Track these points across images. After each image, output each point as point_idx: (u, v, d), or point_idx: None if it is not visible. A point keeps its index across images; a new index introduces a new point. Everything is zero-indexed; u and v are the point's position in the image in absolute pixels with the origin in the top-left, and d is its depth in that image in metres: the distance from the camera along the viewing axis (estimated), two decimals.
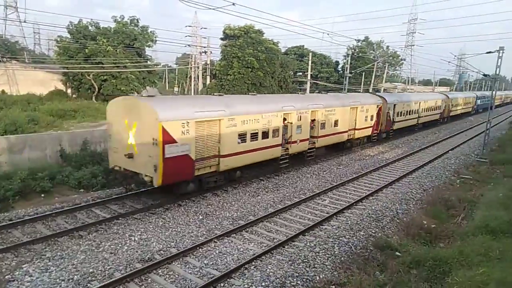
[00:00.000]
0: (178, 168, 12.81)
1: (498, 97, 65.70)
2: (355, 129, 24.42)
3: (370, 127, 26.21)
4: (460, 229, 11.96)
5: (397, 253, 10.26)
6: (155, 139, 12.06)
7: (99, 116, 37.74)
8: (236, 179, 16.19)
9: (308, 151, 20.30)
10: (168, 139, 12.21)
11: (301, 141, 19.15)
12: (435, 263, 9.12)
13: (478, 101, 54.41)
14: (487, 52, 24.58)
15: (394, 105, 29.11)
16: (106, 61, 41.27)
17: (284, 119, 17.71)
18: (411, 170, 19.70)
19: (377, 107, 26.79)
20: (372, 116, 26.09)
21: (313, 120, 20.05)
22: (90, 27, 45.29)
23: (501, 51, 23.22)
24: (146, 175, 12.52)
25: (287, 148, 18.38)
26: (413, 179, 18.23)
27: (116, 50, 42.54)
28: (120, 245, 10.25)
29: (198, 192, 14.47)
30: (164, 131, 12.07)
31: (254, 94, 19.29)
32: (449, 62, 38.39)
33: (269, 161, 17.52)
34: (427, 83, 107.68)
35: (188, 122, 12.87)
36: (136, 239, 10.70)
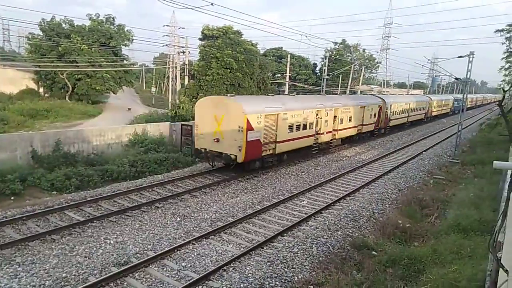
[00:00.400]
0: (253, 149, 16.97)
1: (470, 100, 71.27)
2: (362, 124, 28.60)
3: (373, 123, 30.67)
4: (433, 228, 12.30)
5: (373, 252, 10.44)
6: (240, 127, 16.22)
7: (72, 116, 36.76)
8: (284, 161, 20.32)
9: (330, 141, 24.53)
10: (249, 127, 16.41)
11: (327, 132, 23.50)
12: (410, 261, 9.33)
13: (455, 103, 59.77)
14: (459, 57, 25.45)
15: (390, 105, 33.69)
16: (80, 59, 40.22)
17: (316, 115, 21.68)
18: (386, 171, 20.13)
19: (378, 107, 31.19)
20: (375, 114, 30.61)
21: (334, 116, 24.14)
22: (63, 25, 44.02)
23: (471, 56, 24.10)
24: (232, 154, 16.56)
25: (317, 138, 22.55)
26: (388, 180, 18.63)
27: (91, 49, 41.55)
28: (95, 249, 9.97)
29: (259, 169, 18.34)
30: (247, 121, 16.27)
31: (298, 95, 24.04)
32: (422, 65, 39.50)
33: (305, 148, 21.59)
34: (401, 85, 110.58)
35: (260, 115, 17.13)
36: (112, 242, 10.43)
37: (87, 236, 10.73)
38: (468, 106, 66.63)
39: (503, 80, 21.86)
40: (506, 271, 4.10)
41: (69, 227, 11.17)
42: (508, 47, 19.18)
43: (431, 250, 9.76)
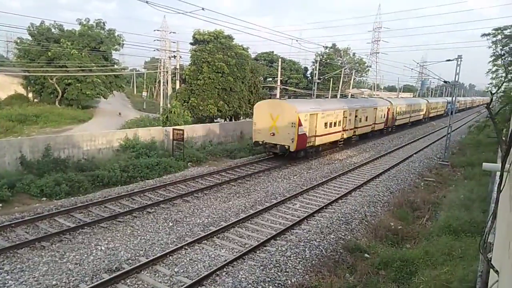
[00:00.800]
0: (302, 141, 21.29)
1: (463, 102, 77.23)
2: (375, 123, 32.85)
3: (383, 122, 35.07)
4: (425, 230, 12.40)
5: (366, 255, 10.48)
6: (293, 123, 20.51)
7: (62, 121, 36.40)
8: (319, 152, 24.95)
9: (352, 136, 28.96)
10: (299, 123, 20.67)
11: (350, 129, 27.83)
12: (402, 263, 9.39)
13: (449, 105, 62.77)
14: (447, 60, 25.79)
15: (396, 107, 38.07)
16: (70, 64, 39.89)
17: (343, 114, 26.03)
18: (378, 174, 20.26)
19: (387, 108, 35.63)
20: (384, 115, 34.99)
21: (355, 116, 28.33)
22: (53, 29, 43.68)
23: (459, 59, 24.45)
24: (286, 145, 20.78)
25: (343, 134, 26.85)
26: (380, 182, 18.75)
27: (81, 54, 41.24)
28: (85, 255, 9.84)
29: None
30: (299, 119, 20.59)
31: (329, 98, 28.05)
32: (412, 69, 40.43)
33: (334, 142, 26.36)
34: (391, 89, 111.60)
35: (306, 114, 21.48)
36: (103, 248, 10.31)
37: (77, 243, 10.59)
38: (461, 108, 71.10)
39: (491, 83, 22.22)
40: (497, 271, 4.14)
41: (59, 233, 11.00)
42: (494, 51, 19.52)
43: (423, 252, 9.84)
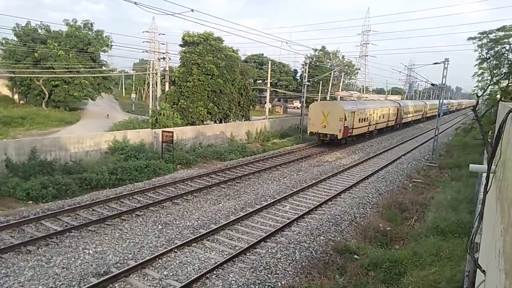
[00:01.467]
0: (345, 131, 28.33)
1: (452, 104, 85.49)
2: (388, 120, 40.21)
3: (394, 120, 42.06)
4: (413, 231, 12.53)
5: (355, 256, 10.54)
6: (341, 118, 27.50)
7: (49, 123, 35.84)
8: (354, 141, 32.19)
9: (373, 130, 36.35)
10: (345, 118, 27.71)
11: (373, 124, 35.24)
12: (391, 264, 9.46)
13: (443, 107, 68.07)
14: (434, 63, 26.19)
15: (403, 108, 44.60)
16: (57, 65, 39.33)
17: (371, 112, 33.87)
18: (367, 175, 20.42)
19: (397, 108, 42.57)
20: (395, 114, 42.01)
21: (376, 114, 35.60)
22: (39, 30, 43.03)
23: (446, 62, 24.85)
24: (334, 134, 27.90)
25: (369, 128, 34.49)
26: (369, 184, 18.90)
27: (68, 55, 40.71)
28: (73, 259, 9.68)
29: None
30: (345, 115, 27.60)
31: (362, 100, 40.73)
32: (400, 71, 41.63)
33: (364, 133, 33.81)
34: (380, 91, 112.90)
35: (348, 111, 28.52)
36: (91, 252, 10.16)
37: (64, 247, 10.42)
38: (451, 110, 79.21)
39: (477, 86, 22.63)
40: (483, 271, 4.20)
41: (46, 237, 10.81)
42: (480, 54, 19.89)
43: (412, 252, 9.94)
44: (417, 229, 12.60)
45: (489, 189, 4.62)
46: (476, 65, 20.64)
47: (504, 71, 19.59)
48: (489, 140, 14.53)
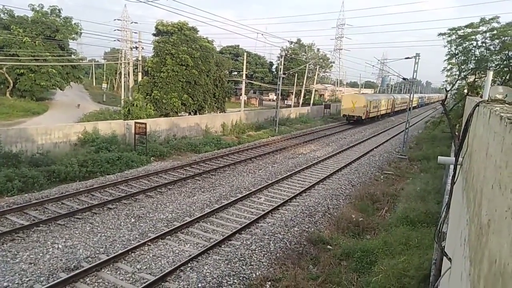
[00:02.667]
0: (366, 114, 42.50)
1: (425, 98, 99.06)
2: (387, 108, 53.17)
3: (390, 108, 55.05)
4: (384, 221, 12.90)
5: (328, 246, 10.75)
6: (364, 105, 41.81)
7: (14, 113, 34.35)
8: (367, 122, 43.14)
9: (378, 115, 48.80)
10: (366, 106, 42.07)
11: (379, 110, 48.17)
12: (363, 254, 9.72)
13: (420, 100, 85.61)
14: (406, 58, 26.85)
15: (395, 99, 57.80)
16: (22, 53, 37.58)
17: (380, 101, 47.74)
18: (340, 167, 20.80)
19: (393, 99, 56.13)
20: (391, 104, 55.40)
21: (381, 103, 48.59)
22: (1, 15, 40.86)
23: (417, 57, 25.52)
24: (360, 116, 41.72)
25: (378, 112, 47.69)
26: (342, 176, 19.26)
27: (34, 42, 38.94)
28: (41, 254, 9.35)
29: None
30: (366, 103, 42.10)
31: (376, 93, 59.01)
32: (373, 65, 43.01)
33: (374, 117, 46.31)
34: (354, 85, 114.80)
35: (369, 101, 42.95)
36: (60, 246, 9.85)
37: (32, 241, 10.05)
38: (427, 103, 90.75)
39: (446, 81, 23.36)
40: (450, 259, 4.36)
41: (11, 232, 10.37)
42: (449, 50, 20.52)
43: (382, 242, 10.23)
44: (388, 220, 12.99)
45: (456, 180, 4.79)
46: (445, 60, 21.27)
47: (471, 66, 20.31)
48: (457, 133, 15.10)
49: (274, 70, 69.01)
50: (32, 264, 8.87)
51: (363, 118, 41.91)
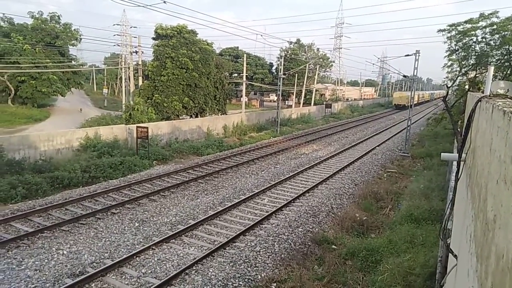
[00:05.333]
0: (407, 103, 56.02)
1: (437, 93, 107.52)
2: (417, 100, 68.00)
3: (417, 100, 69.20)
4: (388, 220, 12.86)
5: (333, 246, 10.72)
6: (406, 98, 61.45)
7: (16, 121, 34.45)
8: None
9: (417, 103, 69.72)
10: (407, 98, 59.29)
11: (416, 101, 67.05)
12: (368, 253, 9.68)
13: (431, 95, 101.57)
14: (406, 55, 26.82)
15: (422, 94, 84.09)
16: (23, 60, 37.71)
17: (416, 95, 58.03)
18: (343, 166, 20.76)
19: (418, 95, 71.71)
20: (418, 97, 71.75)
21: (417, 96, 68.41)
22: (1, 23, 41.06)
23: (417, 54, 25.48)
24: (404, 104, 65.52)
25: (416, 101, 68.18)
26: (345, 175, 19.23)
27: (34, 49, 39.09)
28: (46, 261, 9.37)
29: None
30: (407, 97, 57.94)
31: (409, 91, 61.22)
32: (373, 64, 42.30)
33: (416, 104, 65.04)
34: (354, 83, 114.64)
35: (407, 96, 59.62)
36: (65, 252, 9.86)
37: (37, 248, 10.07)
38: (426, 99, 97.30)
39: (446, 77, 23.33)
40: (455, 256, 4.34)
41: (16, 239, 10.40)
42: (449, 46, 20.47)
43: (387, 240, 10.19)
44: (392, 218, 12.94)
45: (460, 176, 4.76)
46: (445, 56, 21.23)
47: (472, 62, 20.25)
48: (459, 129, 15.04)
49: (274, 71, 69.01)
50: (38, 271, 8.88)
51: (406, 105, 60.68)
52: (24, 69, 37.43)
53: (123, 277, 8.82)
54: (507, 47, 18.48)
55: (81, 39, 44.64)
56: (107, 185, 15.90)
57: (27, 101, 41.11)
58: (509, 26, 18.31)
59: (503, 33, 18.30)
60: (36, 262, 9.27)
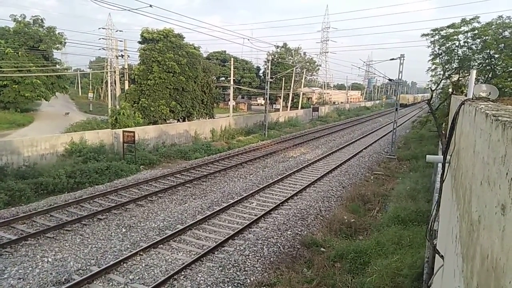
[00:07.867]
0: (408, 102, 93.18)
1: (418, 97, 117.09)
2: (413, 101, 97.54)
3: (413, 101, 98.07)
4: (376, 222, 12.98)
5: (322, 249, 10.76)
6: (408, 99, 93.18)
7: None
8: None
9: (411, 104, 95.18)
10: (409, 99, 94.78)
11: (412, 102, 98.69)
12: (356, 255, 9.75)
13: (422, 97, 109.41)
14: (391, 59, 27.22)
15: (412, 97, 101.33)
16: (5, 64, 36.95)
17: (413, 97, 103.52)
18: (330, 169, 20.89)
19: (413, 97, 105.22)
20: (413, 99, 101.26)
21: (412, 97, 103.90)
22: None
23: (402, 58, 25.90)
24: (407, 104, 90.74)
25: (412, 102, 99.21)
26: (333, 178, 19.35)
27: (17, 53, 38.35)
28: (30, 269, 9.15)
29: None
30: (408, 98, 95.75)
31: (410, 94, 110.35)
32: (359, 67, 42.32)
33: (411, 104, 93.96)
34: (341, 87, 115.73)
35: (411, 96, 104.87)
36: (50, 260, 9.66)
37: (20, 256, 9.83)
38: (416, 102, 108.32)
39: (430, 80, 23.77)
40: (442, 256, 4.40)
41: None
42: (433, 50, 20.90)
43: (375, 242, 10.28)
44: (380, 220, 13.07)
45: (445, 178, 4.84)
46: (429, 60, 21.66)
47: (455, 66, 20.70)
48: (443, 131, 15.33)
49: (261, 74, 69.20)
50: (21, 280, 8.67)
51: (407, 104, 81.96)
52: (6, 73, 36.68)
53: (110, 284, 8.68)
54: (488, 51, 18.96)
55: (65, 43, 44.00)
56: (93, 191, 15.65)
57: (9, 105, 40.29)
58: (490, 31, 18.81)
59: (484, 37, 18.77)
60: (20, 271, 9.04)
